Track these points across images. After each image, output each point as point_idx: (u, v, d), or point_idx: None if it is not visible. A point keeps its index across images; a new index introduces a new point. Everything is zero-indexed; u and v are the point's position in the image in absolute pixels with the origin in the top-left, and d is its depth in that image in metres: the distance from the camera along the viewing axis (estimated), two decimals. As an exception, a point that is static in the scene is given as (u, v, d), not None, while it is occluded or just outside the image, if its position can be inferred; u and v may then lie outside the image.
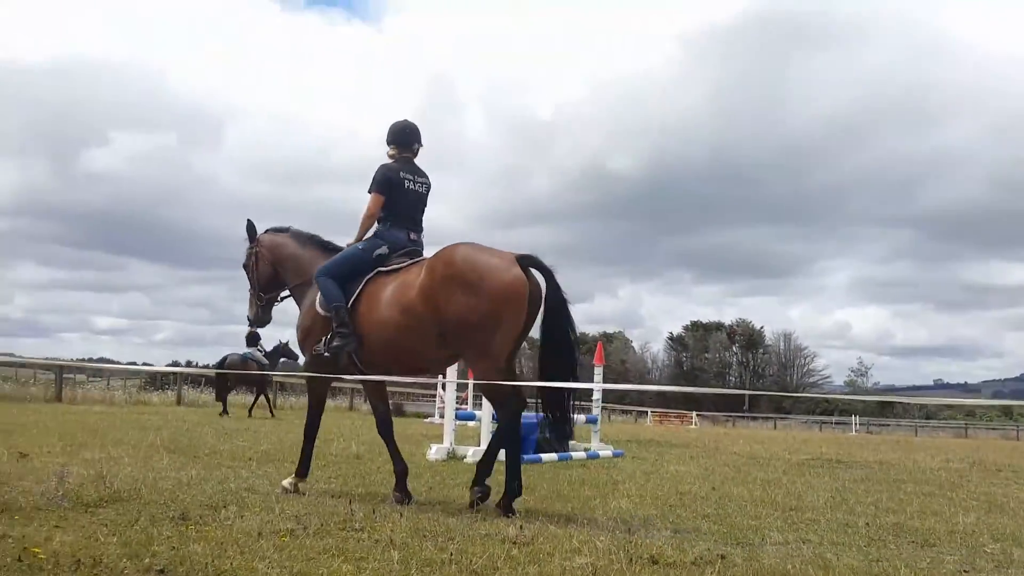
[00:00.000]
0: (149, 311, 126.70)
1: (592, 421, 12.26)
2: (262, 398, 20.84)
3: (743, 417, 57.33)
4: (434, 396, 22.43)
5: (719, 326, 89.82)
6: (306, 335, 6.10)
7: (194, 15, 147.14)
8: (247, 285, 6.77)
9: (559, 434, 5.86)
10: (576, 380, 5.70)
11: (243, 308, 6.82)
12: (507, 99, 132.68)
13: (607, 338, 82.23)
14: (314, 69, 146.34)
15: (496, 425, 9.27)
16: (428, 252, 6.04)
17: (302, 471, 6.11)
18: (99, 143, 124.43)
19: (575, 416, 5.69)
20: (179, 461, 7.58)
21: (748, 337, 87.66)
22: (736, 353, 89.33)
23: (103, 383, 36.51)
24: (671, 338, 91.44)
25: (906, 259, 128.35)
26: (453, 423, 10.43)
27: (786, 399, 68.84)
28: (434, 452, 9.94)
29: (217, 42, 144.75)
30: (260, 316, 6.75)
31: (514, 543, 4.14)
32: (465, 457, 9.66)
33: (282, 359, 21.08)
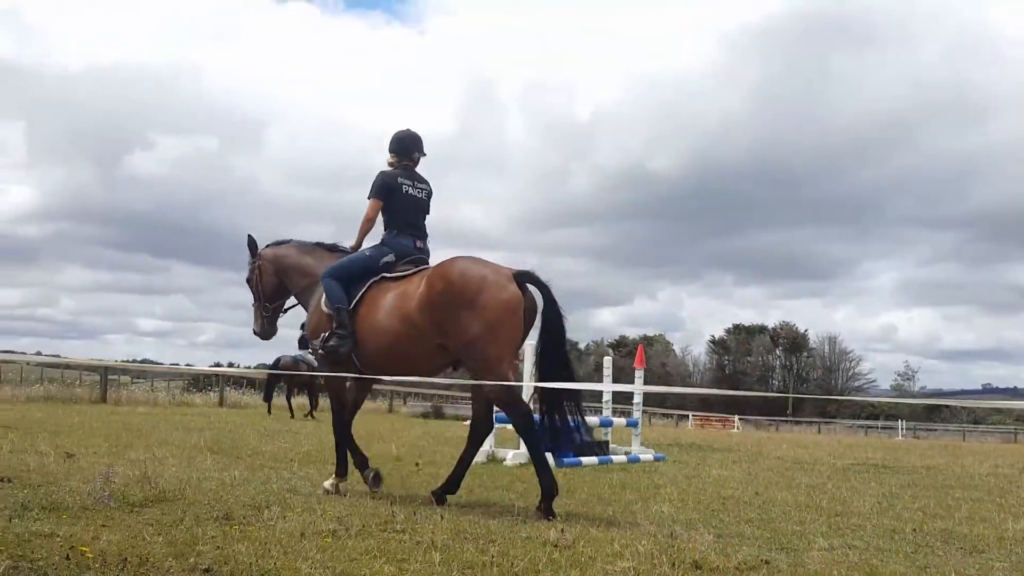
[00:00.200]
0: (192, 313, 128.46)
1: (633, 424, 12.18)
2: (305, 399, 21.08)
3: (786, 421, 56.69)
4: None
5: (762, 329, 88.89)
6: (314, 333, 6.21)
7: (234, 19, 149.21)
8: (251, 300, 6.90)
9: (559, 437, 5.84)
10: (572, 391, 5.78)
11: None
12: (547, 100, 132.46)
13: (647, 341, 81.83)
14: (354, 72, 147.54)
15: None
16: (438, 258, 6.15)
17: (340, 471, 6.22)
18: (142, 147, 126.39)
19: (577, 419, 5.77)
20: (222, 462, 7.67)
21: (792, 340, 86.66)
22: (779, 356, 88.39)
23: (147, 384, 37.07)
24: (713, 341, 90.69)
25: (953, 260, 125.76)
26: (493, 426, 10.41)
27: (830, 403, 68.01)
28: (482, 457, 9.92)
29: (257, 46, 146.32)
30: (266, 328, 6.87)
31: (555, 546, 4.13)
32: (505, 460, 9.65)
33: None
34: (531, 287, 5.69)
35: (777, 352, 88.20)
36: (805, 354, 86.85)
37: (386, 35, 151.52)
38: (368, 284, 6.03)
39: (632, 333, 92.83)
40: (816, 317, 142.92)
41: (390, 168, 6.36)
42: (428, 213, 6.45)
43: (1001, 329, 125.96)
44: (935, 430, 53.56)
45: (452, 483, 5.90)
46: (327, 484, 6.11)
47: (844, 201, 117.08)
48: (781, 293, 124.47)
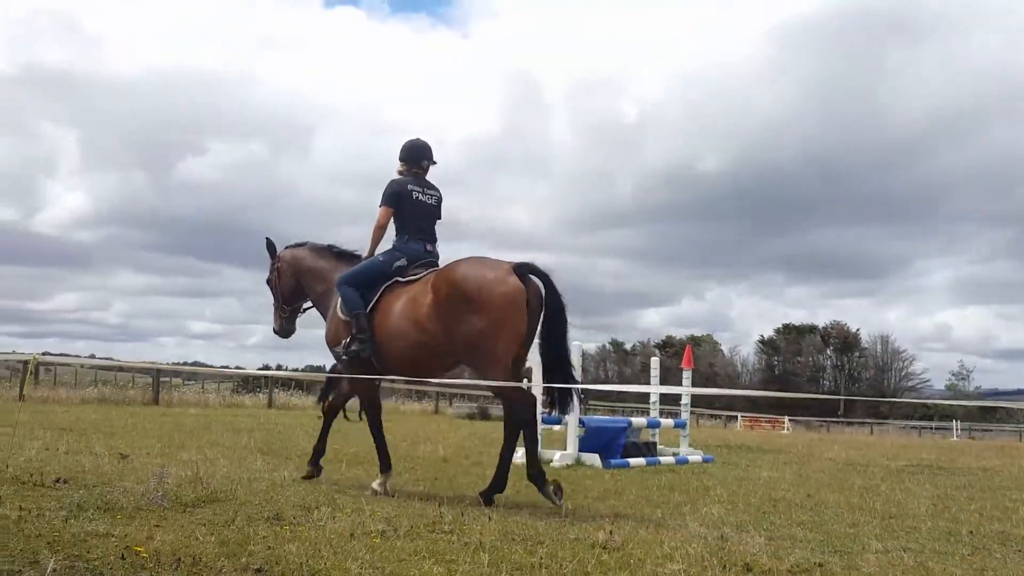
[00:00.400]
0: (241, 316, 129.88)
1: (681, 425, 12.09)
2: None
3: (838, 422, 55.85)
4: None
5: (812, 328, 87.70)
6: (334, 340, 6.42)
7: (281, 25, 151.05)
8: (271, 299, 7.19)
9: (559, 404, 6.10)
10: (571, 371, 6.04)
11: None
12: (592, 100, 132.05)
13: (695, 341, 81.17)
14: (400, 76, 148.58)
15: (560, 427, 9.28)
16: (447, 258, 6.37)
17: (384, 466, 6.38)
18: (193, 153, 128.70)
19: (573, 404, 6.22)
20: (272, 463, 7.75)
21: (843, 340, 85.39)
22: (830, 356, 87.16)
23: (198, 386, 37.68)
24: (762, 341, 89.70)
25: (1009, 257, 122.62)
26: (540, 427, 10.39)
27: (883, 403, 66.90)
28: (520, 455, 9.91)
29: (305, 51, 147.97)
30: (285, 327, 7.19)
31: (604, 548, 4.10)
32: (551, 461, 9.62)
33: None
34: (534, 278, 5.82)
35: (828, 352, 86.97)
36: (857, 354, 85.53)
37: (431, 38, 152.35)
38: (383, 289, 6.24)
39: (679, 333, 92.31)
40: (868, 316, 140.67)
41: (400, 176, 6.55)
42: (439, 218, 6.65)
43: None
44: (991, 431, 52.46)
45: (498, 482, 5.93)
46: (375, 485, 6.21)
47: (896, 198, 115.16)
48: (832, 292, 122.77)
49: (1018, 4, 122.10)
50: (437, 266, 6.33)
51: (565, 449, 9.92)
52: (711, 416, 52.12)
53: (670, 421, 12.51)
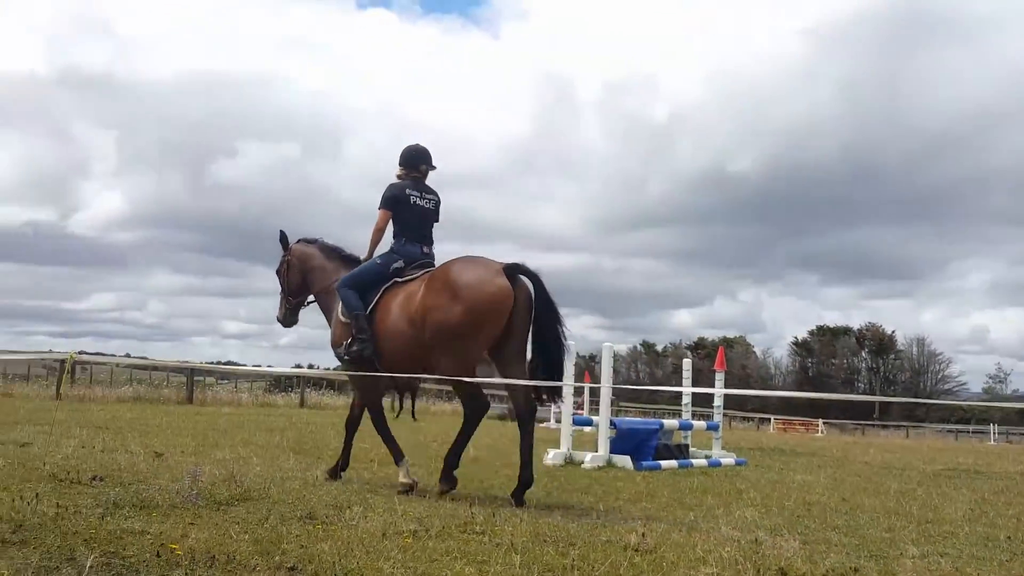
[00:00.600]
0: (274, 316, 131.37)
1: (713, 428, 12.00)
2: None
3: (873, 425, 55.23)
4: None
5: (847, 330, 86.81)
6: (337, 342, 6.60)
7: (313, 28, 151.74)
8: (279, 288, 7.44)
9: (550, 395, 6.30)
10: (562, 369, 6.24)
11: None
12: (625, 101, 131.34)
13: (727, 343, 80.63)
14: (433, 78, 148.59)
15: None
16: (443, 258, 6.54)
17: (397, 458, 6.56)
18: (227, 155, 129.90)
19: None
20: (305, 462, 7.80)
21: (878, 342, 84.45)
22: (865, 359, 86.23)
23: (231, 385, 37.97)
24: (796, 343, 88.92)
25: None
26: (571, 428, 10.38)
27: (919, 406, 66.09)
28: (551, 457, 9.92)
29: (337, 54, 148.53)
30: (288, 317, 7.45)
31: (636, 551, 4.07)
32: (582, 462, 9.60)
33: None
34: (523, 279, 6.01)
35: (863, 354, 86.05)
36: (892, 356, 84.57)
37: (462, 39, 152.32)
38: (382, 290, 6.42)
39: (711, 335, 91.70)
40: (904, 318, 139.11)
41: (398, 180, 6.72)
42: (436, 221, 6.84)
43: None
44: (1030, 435, 51.57)
45: (524, 479, 5.97)
46: (401, 478, 6.33)
47: (933, 198, 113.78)
48: (867, 293, 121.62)
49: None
50: (433, 267, 6.49)
51: (596, 451, 9.89)
52: (744, 418, 51.71)
53: (702, 423, 12.43)
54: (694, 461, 10.73)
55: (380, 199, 6.67)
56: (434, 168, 6.85)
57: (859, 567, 4.01)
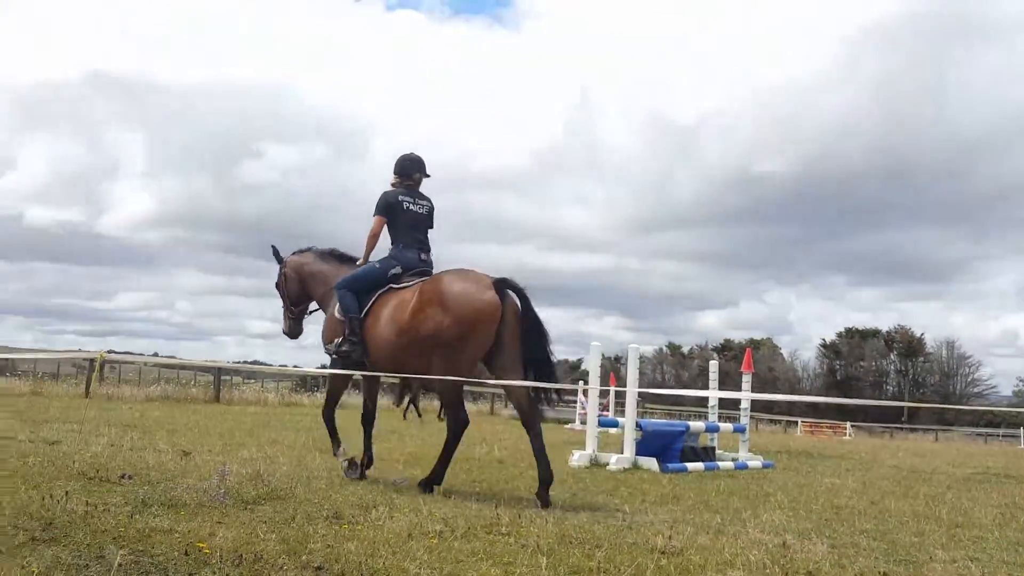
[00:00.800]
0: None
1: (740, 430, 11.92)
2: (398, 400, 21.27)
3: (901, 428, 54.66)
4: (574, 402, 22.35)
5: (875, 333, 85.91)
6: (328, 338, 6.80)
7: (342, 31, 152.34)
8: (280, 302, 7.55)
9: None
10: (556, 380, 6.40)
11: None
12: (651, 102, 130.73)
13: (754, 345, 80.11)
14: (460, 79, 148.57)
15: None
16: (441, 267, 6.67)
17: (334, 446, 7.11)
18: (254, 156, 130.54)
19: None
20: (331, 461, 7.81)
21: (907, 344, 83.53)
22: (894, 361, 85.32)
23: (257, 385, 38.16)
24: (824, 345, 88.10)
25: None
26: (596, 430, 10.35)
27: (948, 410, 65.32)
28: (576, 458, 9.90)
29: (366, 56, 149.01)
30: (293, 328, 7.55)
31: (663, 553, 4.05)
32: (608, 464, 9.57)
33: None
34: (511, 293, 6.14)
35: (892, 357, 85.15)
36: (922, 359, 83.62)
37: (491, 40, 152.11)
38: (377, 295, 6.57)
39: (738, 337, 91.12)
40: (933, 320, 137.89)
41: (392, 188, 6.90)
42: (431, 227, 7.00)
43: None
44: (1062, 439, 50.79)
45: (543, 477, 5.97)
46: (341, 461, 6.89)
47: (963, 200, 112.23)
48: (896, 295, 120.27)
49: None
50: (431, 274, 6.60)
51: (622, 453, 9.85)
52: (770, 421, 51.35)
53: (729, 426, 12.35)
54: (720, 463, 10.67)
55: (375, 206, 6.83)
56: (428, 176, 7.01)
57: (888, 571, 3.98)
